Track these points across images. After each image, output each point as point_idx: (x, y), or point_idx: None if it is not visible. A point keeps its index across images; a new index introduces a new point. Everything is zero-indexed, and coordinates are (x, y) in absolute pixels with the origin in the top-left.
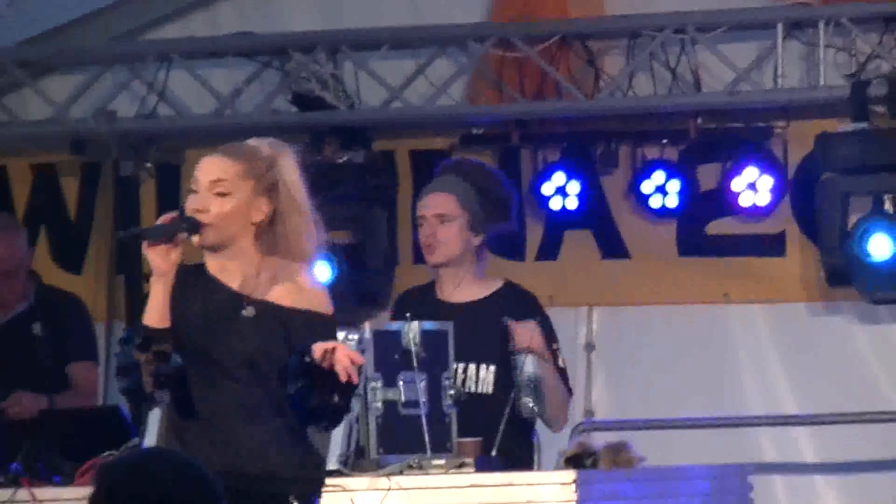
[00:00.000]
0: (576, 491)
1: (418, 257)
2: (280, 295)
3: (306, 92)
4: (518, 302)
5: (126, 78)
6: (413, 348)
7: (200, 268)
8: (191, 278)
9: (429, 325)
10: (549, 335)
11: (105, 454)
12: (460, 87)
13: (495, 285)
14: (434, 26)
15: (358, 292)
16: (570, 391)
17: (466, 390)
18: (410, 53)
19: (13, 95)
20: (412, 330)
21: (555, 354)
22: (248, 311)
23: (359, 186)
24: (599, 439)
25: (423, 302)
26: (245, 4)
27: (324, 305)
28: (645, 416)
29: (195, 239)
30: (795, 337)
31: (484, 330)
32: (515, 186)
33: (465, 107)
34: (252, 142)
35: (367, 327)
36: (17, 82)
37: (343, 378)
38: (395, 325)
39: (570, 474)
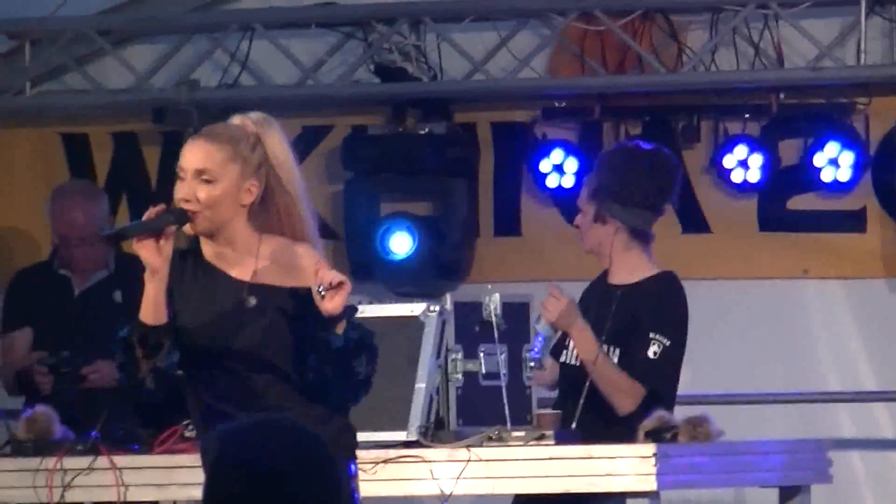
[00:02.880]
0: (655, 464)
1: (499, 229)
2: (281, 277)
3: (388, 63)
4: (654, 291)
5: (208, 47)
6: (494, 320)
7: (198, 255)
8: (189, 267)
9: (509, 296)
10: (652, 324)
11: (184, 423)
12: (542, 60)
13: (649, 272)
14: None
15: (438, 264)
16: (644, 383)
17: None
18: (493, 25)
19: (95, 64)
20: (493, 301)
21: (646, 343)
22: (250, 301)
23: (440, 158)
24: (677, 413)
25: (597, 287)
26: None
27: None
28: (722, 390)
29: (187, 229)
30: (874, 313)
31: (618, 312)
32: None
33: (546, 80)
34: (236, 120)
35: (448, 298)
36: (98, 51)
37: (329, 306)
38: (475, 296)
39: (649, 448)
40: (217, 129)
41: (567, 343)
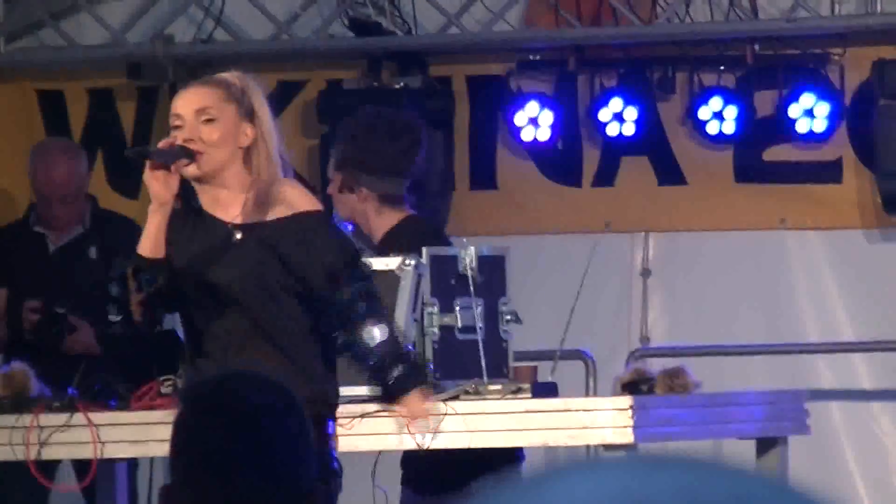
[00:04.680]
0: (632, 416)
1: (475, 183)
2: (268, 213)
3: (363, 17)
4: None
5: (183, 2)
6: (470, 273)
7: (194, 207)
8: (185, 216)
9: (486, 249)
10: None
11: (162, 378)
12: (517, 12)
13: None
14: None
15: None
16: None
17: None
18: None
19: (70, 20)
20: (469, 255)
21: None
22: (237, 237)
23: (416, 111)
24: (655, 365)
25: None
26: None
27: (308, 204)
28: (700, 342)
29: (190, 169)
30: (852, 263)
31: None
32: (571, 111)
33: (521, 32)
34: (222, 74)
35: (425, 252)
36: (73, 6)
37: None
38: (451, 250)
39: (626, 400)
40: (205, 78)
41: None
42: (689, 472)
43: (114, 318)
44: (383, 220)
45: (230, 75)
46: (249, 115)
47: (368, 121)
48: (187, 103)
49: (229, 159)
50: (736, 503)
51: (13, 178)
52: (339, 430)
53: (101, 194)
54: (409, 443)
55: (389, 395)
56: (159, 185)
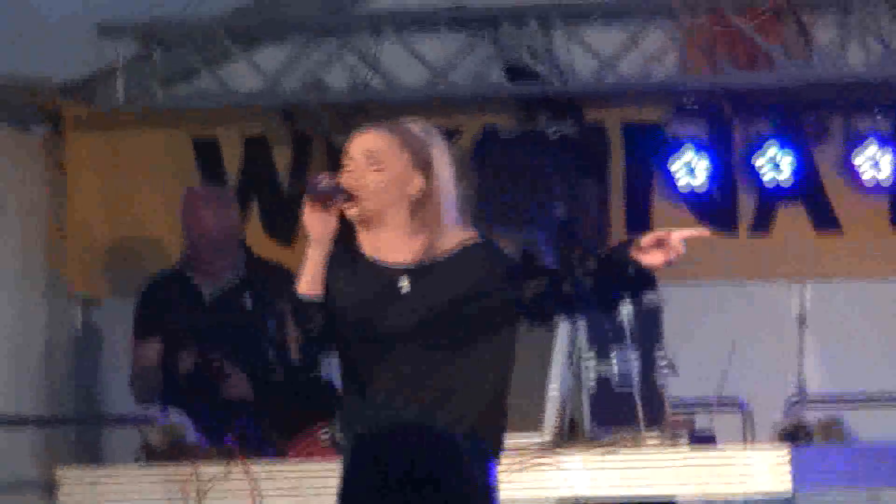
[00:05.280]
0: (790, 466)
1: (630, 229)
2: (433, 256)
3: (518, 63)
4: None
5: (337, 49)
6: (626, 322)
7: (355, 247)
8: (345, 256)
9: (642, 298)
10: None
11: (319, 426)
12: (673, 59)
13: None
14: None
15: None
16: None
17: None
18: (622, 24)
19: (225, 66)
20: (625, 304)
21: None
22: (405, 284)
23: (570, 158)
24: (812, 414)
25: None
26: None
27: (469, 236)
28: (857, 390)
29: (351, 210)
30: None
31: None
32: (726, 157)
33: (676, 77)
34: (405, 121)
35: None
36: (228, 53)
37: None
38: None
39: (784, 449)
40: (386, 123)
41: None
42: None
43: (272, 360)
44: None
45: (413, 124)
46: (424, 166)
47: None
48: (360, 145)
49: (393, 205)
50: None
51: (168, 227)
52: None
53: (255, 241)
54: (566, 492)
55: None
56: (315, 222)
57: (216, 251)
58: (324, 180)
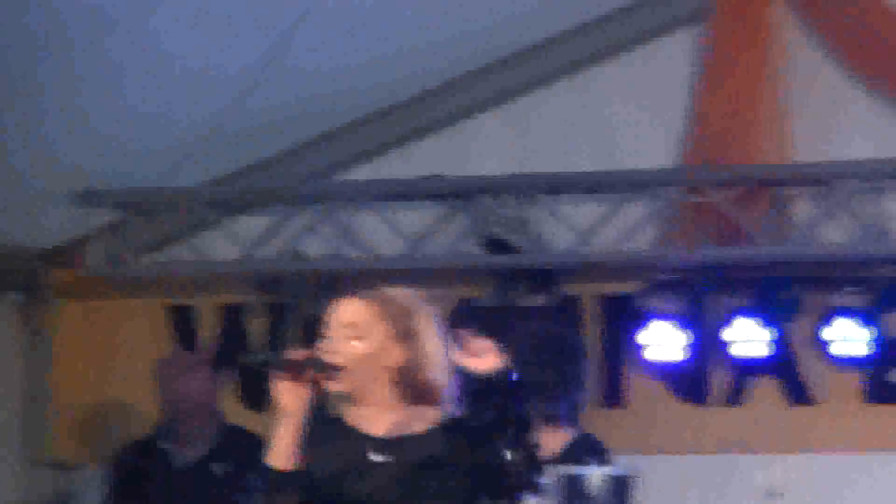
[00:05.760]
0: None
1: (608, 402)
2: (413, 428)
3: (495, 235)
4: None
5: (315, 218)
6: (596, 492)
7: (337, 418)
8: (326, 427)
9: (614, 470)
10: None
11: None
12: (649, 233)
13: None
14: (623, 171)
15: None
16: None
17: None
18: (599, 198)
19: (201, 235)
20: (595, 475)
21: None
22: (378, 456)
23: (546, 329)
24: None
25: None
26: (437, 146)
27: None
28: None
29: (331, 385)
30: None
31: None
32: (700, 330)
33: (653, 252)
34: (389, 289)
35: (553, 471)
36: (205, 222)
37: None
38: (579, 469)
39: None
40: (371, 291)
41: None
42: None
43: None
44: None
45: (397, 293)
46: (406, 336)
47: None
48: (339, 315)
49: (372, 380)
50: None
51: (143, 394)
52: None
53: (230, 410)
54: None
55: None
56: (286, 395)
57: (190, 418)
58: (295, 353)
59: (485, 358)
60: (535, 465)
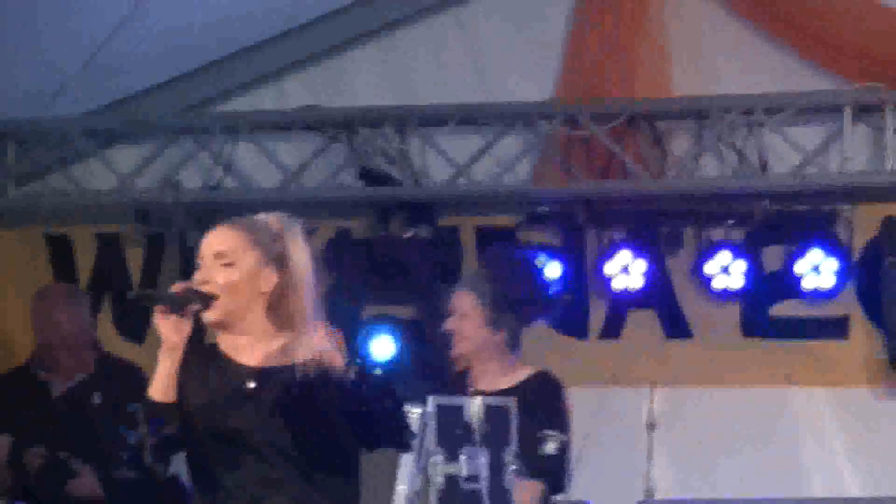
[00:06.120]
0: None
1: None
2: (289, 361)
3: (373, 167)
4: (542, 392)
5: (192, 149)
6: (475, 423)
7: (213, 347)
8: (201, 357)
9: (492, 400)
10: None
11: None
12: (527, 165)
13: (523, 374)
14: (501, 104)
15: (421, 367)
16: (546, 478)
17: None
18: (477, 130)
19: (79, 165)
20: (475, 405)
21: (542, 439)
22: (253, 386)
23: (424, 262)
24: None
25: (457, 386)
26: (313, 78)
27: (332, 357)
28: (705, 496)
29: (206, 315)
30: (858, 421)
31: None
32: (578, 264)
33: (531, 185)
34: (260, 215)
35: (431, 401)
36: (83, 152)
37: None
38: (457, 400)
39: None
40: (240, 219)
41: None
42: None
43: (122, 459)
44: (514, 367)
45: (267, 218)
46: (278, 260)
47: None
48: (209, 244)
49: (247, 306)
50: None
51: (18, 324)
52: None
53: (106, 340)
54: None
55: None
56: (169, 330)
57: (66, 349)
58: (175, 286)
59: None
60: (400, 420)
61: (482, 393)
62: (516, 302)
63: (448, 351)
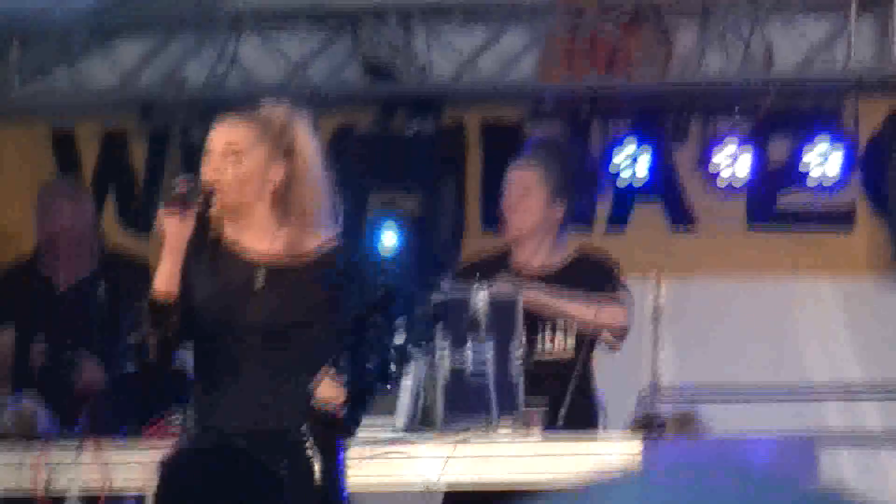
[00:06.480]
0: (642, 458)
1: (486, 226)
2: (294, 255)
3: (377, 61)
4: (593, 269)
5: (196, 44)
6: (481, 316)
7: (216, 240)
8: (206, 250)
9: (498, 292)
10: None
11: (170, 414)
12: (532, 60)
13: (571, 255)
14: None
15: (426, 261)
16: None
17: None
18: (483, 25)
19: (83, 61)
20: (481, 297)
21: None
22: (259, 281)
23: (428, 156)
24: (666, 408)
25: (497, 268)
26: None
27: (331, 243)
28: (711, 385)
29: (213, 210)
30: (862, 310)
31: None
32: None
33: (536, 80)
34: (267, 105)
35: (436, 295)
36: (87, 48)
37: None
38: (463, 293)
39: (636, 442)
40: (247, 110)
41: (540, 338)
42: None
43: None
44: (564, 246)
45: (274, 108)
46: (285, 152)
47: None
48: (216, 139)
49: (253, 199)
50: None
51: (23, 219)
52: (350, 468)
53: (111, 233)
54: (417, 482)
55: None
56: (174, 226)
57: (70, 243)
58: (180, 183)
59: None
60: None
61: (528, 275)
62: (577, 179)
63: (450, 245)
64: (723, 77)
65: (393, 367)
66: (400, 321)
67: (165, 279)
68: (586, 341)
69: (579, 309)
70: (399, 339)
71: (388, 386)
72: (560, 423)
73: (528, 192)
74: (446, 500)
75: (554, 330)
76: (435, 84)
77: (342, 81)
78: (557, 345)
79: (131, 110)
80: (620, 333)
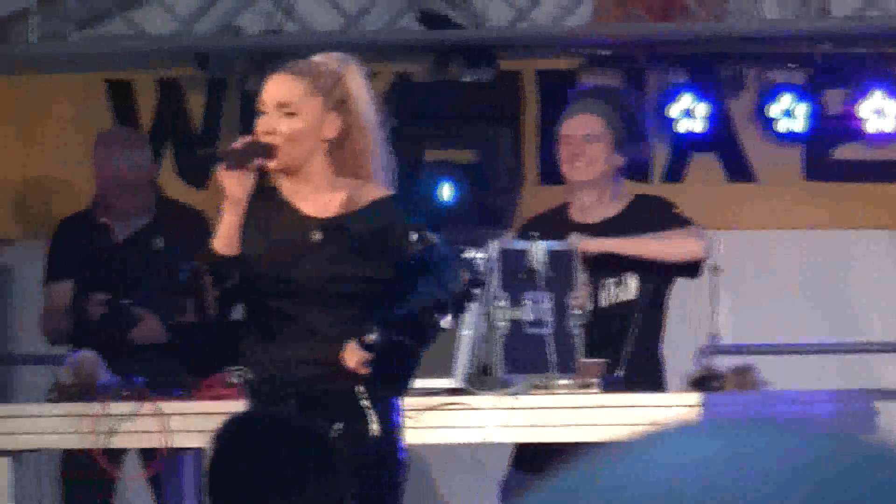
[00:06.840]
0: (700, 413)
1: (544, 178)
2: (350, 209)
3: (432, 10)
4: (651, 209)
5: None
6: (539, 268)
7: (273, 193)
8: (263, 205)
9: (555, 244)
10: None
11: (229, 368)
12: (588, 7)
13: (627, 200)
14: None
15: (482, 212)
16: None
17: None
18: None
19: (138, 9)
20: (538, 249)
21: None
22: (316, 236)
23: (484, 106)
24: (724, 362)
25: (555, 222)
26: None
27: (380, 193)
28: (769, 340)
29: (270, 164)
30: None
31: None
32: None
33: (590, 27)
34: (318, 57)
35: (494, 246)
36: None
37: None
38: (520, 245)
39: (694, 396)
40: (299, 63)
41: (602, 286)
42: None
43: (184, 305)
44: (621, 194)
45: (326, 61)
46: (339, 104)
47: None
48: (270, 93)
49: (310, 154)
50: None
51: (80, 169)
52: (407, 421)
53: (168, 184)
54: (476, 436)
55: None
56: (233, 184)
57: (127, 193)
58: (237, 142)
59: None
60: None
61: (587, 226)
62: (636, 128)
63: (507, 195)
64: (779, 26)
65: (445, 319)
66: (452, 275)
67: (226, 236)
68: (654, 286)
69: (649, 245)
70: (451, 293)
71: (434, 338)
72: (620, 373)
73: (591, 139)
74: (519, 450)
75: (619, 278)
76: (491, 32)
77: (397, 31)
78: (621, 294)
79: (188, 60)
80: (696, 266)
